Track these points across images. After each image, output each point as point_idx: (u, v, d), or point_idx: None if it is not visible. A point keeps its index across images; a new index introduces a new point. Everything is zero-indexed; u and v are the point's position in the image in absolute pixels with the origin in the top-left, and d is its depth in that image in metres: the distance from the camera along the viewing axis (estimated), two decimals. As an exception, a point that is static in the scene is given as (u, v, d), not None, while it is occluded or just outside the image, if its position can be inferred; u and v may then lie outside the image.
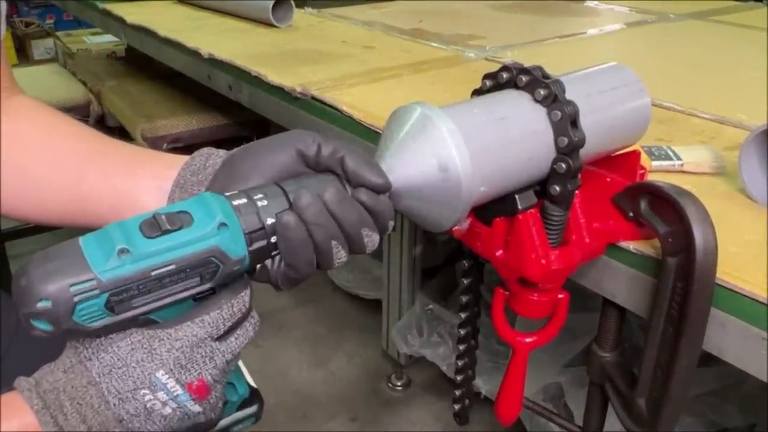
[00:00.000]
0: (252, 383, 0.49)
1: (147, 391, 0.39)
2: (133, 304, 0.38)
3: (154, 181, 0.52)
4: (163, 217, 0.38)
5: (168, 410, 0.40)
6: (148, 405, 0.39)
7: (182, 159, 0.52)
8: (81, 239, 0.37)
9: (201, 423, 0.42)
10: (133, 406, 0.39)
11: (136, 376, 0.39)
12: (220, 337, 0.41)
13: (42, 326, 0.36)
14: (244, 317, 0.43)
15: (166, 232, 0.37)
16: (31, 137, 0.59)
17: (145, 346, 0.39)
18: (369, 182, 0.43)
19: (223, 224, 0.39)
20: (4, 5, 0.60)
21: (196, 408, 0.41)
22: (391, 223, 0.45)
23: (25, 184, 0.57)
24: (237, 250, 0.40)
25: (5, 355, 0.65)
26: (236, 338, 0.42)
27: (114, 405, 0.39)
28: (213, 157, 0.50)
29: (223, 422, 0.45)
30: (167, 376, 0.40)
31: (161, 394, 0.39)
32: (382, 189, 0.44)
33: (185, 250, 0.38)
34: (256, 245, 0.41)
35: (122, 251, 0.36)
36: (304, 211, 0.41)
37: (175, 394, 0.40)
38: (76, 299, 0.35)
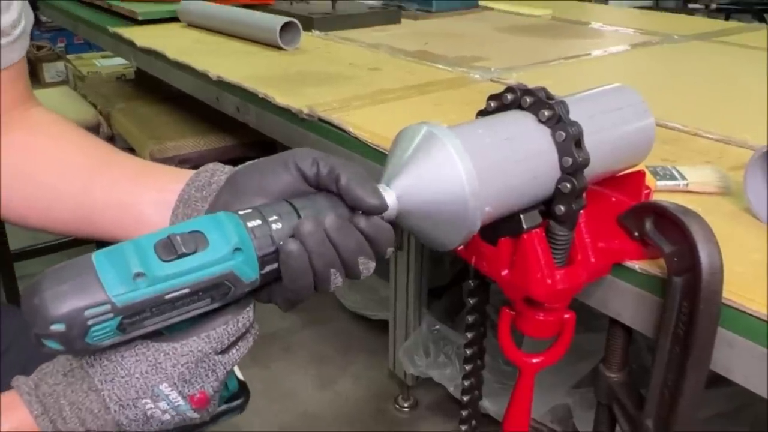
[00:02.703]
0: (240, 376, 0.50)
1: (148, 401, 0.40)
2: (144, 324, 0.38)
3: (158, 194, 0.53)
4: (179, 238, 0.38)
5: (167, 417, 0.41)
6: (149, 413, 0.40)
7: (187, 173, 0.53)
8: (94, 258, 0.37)
9: (196, 424, 0.43)
10: (133, 413, 0.40)
11: (138, 386, 0.39)
12: (223, 350, 0.42)
13: (53, 346, 0.36)
14: (247, 330, 0.43)
15: (182, 255, 0.37)
16: (42, 147, 0.60)
17: (150, 358, 0.40)
18: (362, 203, 0.43)
19: (238, 249, 0.39)
20: (30, 20, 0.62)
21: (195, 415, 0.42)
22: (391, 250, 0.44)
23: (33, 192, 0.58)
24: (250, 273, 0.40)
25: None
26: (237, 349, 0.43)
27: (114, 411, 0.39)
28: (218, 173, 0.51)
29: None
30: (170, 388, 0.40)
31: (162, 404, 0.40)
32: (376, 210, 0.43)
33: (200, 275, 0.38)
34: (267, 268, 0.41)
35: (138, 275, 0.36)
36: (307, 239, 0.41)
37: (176, 404, 0.40)
38: (89, 322, 0.35)
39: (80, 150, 0.60)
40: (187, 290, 0.38)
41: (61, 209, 0.58)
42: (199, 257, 0.38)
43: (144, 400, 0.40)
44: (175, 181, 0.52)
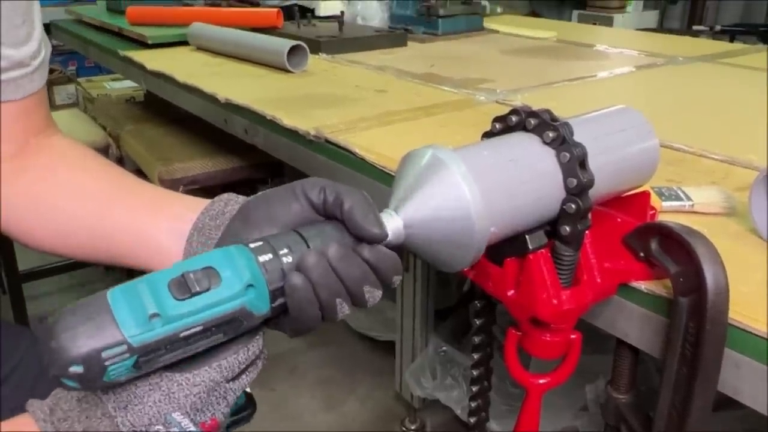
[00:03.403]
0: (247, 388, 0.50)
1: (161, 427, 0.40)
2: (159, 361, 0.38)
3: (173, 223, 0.54)
4: (192, 276, 0.38)
5: None
6: None
7: (203, 202, 0.54)
8: (109, 296, 0.37)
9: None
10: None
11: (152, 414, 0.40)
12: (234, 377, 0.42)
13: (72, 385, 0.36)
14: (257, 357, 0.43)
15: (196, 293, 0.38)
16: (61, 174, 0.62)
17: (162, 388, 0.40)
18: (362, 231, 0.43)
19: (250, 285, 0.39)
20: (49, 50, 0.64)
21: None
22: (397, 278, 0.45)
23: (51, 219, 0.59)
24: (261, 307, 0.40)
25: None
26: (247, 375, 0.43)
27: None
28: (232, 203, 0.51)
29: None
30: (182, 416, 0.40)
31: (174, 430, 0.40)
32: (375, 239, 0.43)
33: (213, 312, 0.38)
34: (278, 302, 0.41)
35: (153, 315, 0.37)
36: (311, 272, 0.41)
37: (187, 430, 0.41)
38: (107, 363, 0.36)
39: (97, 177, 0.62)
40: (200, 327, 0.38)
41: (78, 235, 0.59)
42: (212, 295, 0.38)
43: (156, 427, 0.40)
44: (190, 210, 0.53)
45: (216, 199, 0.53)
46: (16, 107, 0.61)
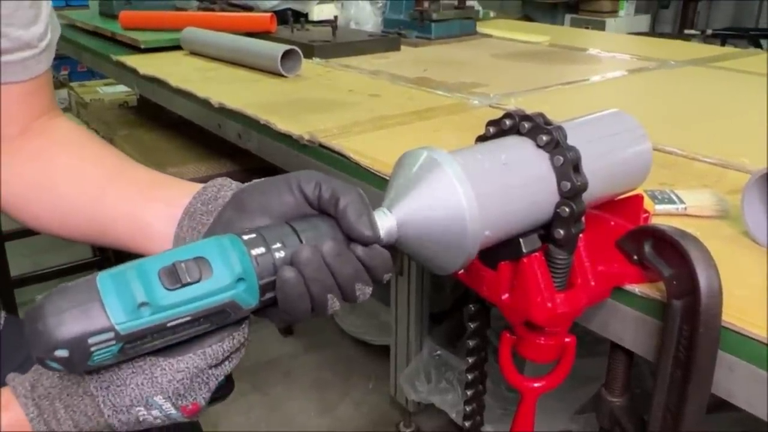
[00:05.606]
0: None
1: (142, 408, 0.41)
2: (145, 348, 0.38)
3: (166, 208, 0.54)
4: (183, 265, 0.38)
5: (158, 421, 0.42)
6: (141, 418, 0.41)
7: (197, 187, 0.54)
8: (98, 281, 0.37)
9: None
10: (126, 417, 0.41)
11: (133, 396, 0.40)
12: (217, 364, 0.43)
13: (56, 367, 0.36)
14: (242, 345, 0.44)
15: (186, 284, 0.38)
16: (59, 155, 0.62)
17: (146, 371, 0.40)
18: (355, 232, 0.43)
19: (241, 278, 0.39)
20: (57, 32, 0.65)
21: (185, 420, 0.43)
22: (387, 276, 0.45)
23: (53, 202, 0.60)
24: (250, 301, 0.40)
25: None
26: (230, 361, 0.44)
27: (108, 416, 0.40)
28: (224, 188, 0.51)
29: None
30: (164, 400, 0.41)
31: (155, 412, 0.41)
32: (367, 241, 0.43)
33: (202, 303, 0.38)
34: (267, 295, 0.41)
35: (142, 304, 0.36)
36: (305, 267, 0.41)
37: (168, 413, 0.41)
38: (92, 349, 0.36)
39: (96, 160, 0.62)
40: (188, 318, 0.38)
41: (76, 218, 0.59)
42: (202, 286, 0.38)
43: (137, 408, 0.40)
44: (184, 195, 0.53)
45: (209, 183, 0.52)
46: (23, 88, 0.62)
